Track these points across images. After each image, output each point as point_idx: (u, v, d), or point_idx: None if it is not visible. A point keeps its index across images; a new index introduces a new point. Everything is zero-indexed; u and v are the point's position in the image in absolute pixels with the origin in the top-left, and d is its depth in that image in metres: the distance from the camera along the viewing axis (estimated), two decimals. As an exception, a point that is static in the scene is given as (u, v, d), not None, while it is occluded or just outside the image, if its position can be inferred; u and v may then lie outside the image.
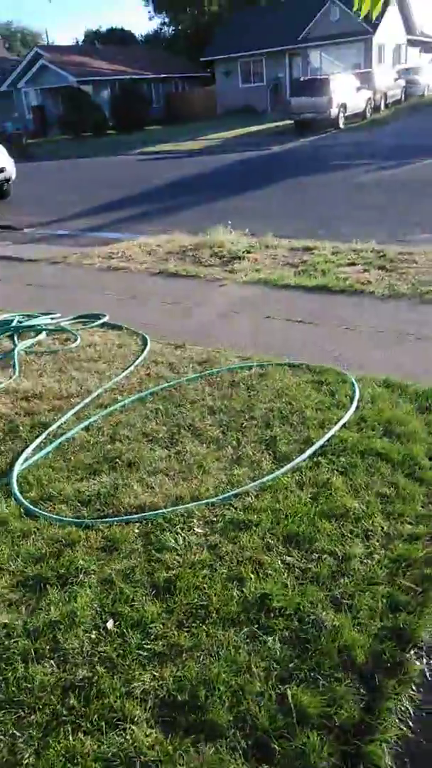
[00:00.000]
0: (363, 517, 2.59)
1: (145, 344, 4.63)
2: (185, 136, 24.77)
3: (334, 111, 21.93)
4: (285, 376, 3.88)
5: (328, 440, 3.11)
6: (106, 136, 29.86)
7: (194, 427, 3.39)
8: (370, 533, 2.52)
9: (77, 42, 52.17)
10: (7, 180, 13.33)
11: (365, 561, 2.38)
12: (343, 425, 3.24)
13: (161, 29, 48.49)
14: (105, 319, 5.27)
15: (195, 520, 2.66)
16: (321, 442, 3.09)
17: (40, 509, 2.82)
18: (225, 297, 5.73)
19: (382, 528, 2.54)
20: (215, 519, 2.66)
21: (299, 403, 3.51)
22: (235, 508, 2.71)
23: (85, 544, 2.57)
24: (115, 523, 2.68)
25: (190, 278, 6.40)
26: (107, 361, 4.42)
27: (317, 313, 5.05)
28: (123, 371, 4.19)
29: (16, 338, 4.95)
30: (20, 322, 5.25)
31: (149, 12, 47.13)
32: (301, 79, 25.37)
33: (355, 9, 2.42)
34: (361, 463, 2.92)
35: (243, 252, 6.95)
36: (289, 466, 2.94)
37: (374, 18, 2.44)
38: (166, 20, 47.27)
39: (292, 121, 23.09)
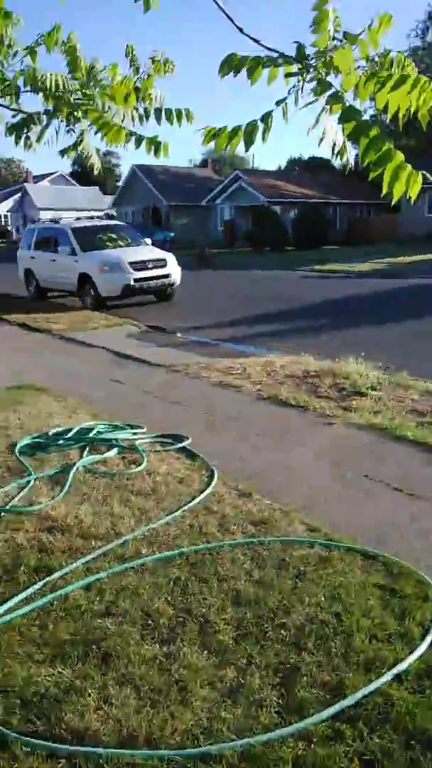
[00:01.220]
0: None
1: (209, 484, 4.01)
2: (359, 257, 24.77)
3: None
4: (350, 569, 2.97)
5: (366, 696, 2.17)
6: (284, 252, 31.06)
7: (206, 620, 2.62)
8: None
9: (279, 167, 56.99)
10: (171, 284, 14.06)
11: None
12: (398, 674, 2.27)
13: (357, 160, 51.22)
14: (186, 443, 4.78)
15: (133, 784, 1.87)
16: (355, 698, 2.15)
17: (-28, 695, 2.24)
18: (327, 440, 4.95)
19: None
20: (160, 791, 1.86)
21: (351, 619, 2.59)
22: (195, 780, 1.88)
23: (-15, 777, 1.91)
24: (38, 750, 2.00)
25: (300, 409, 5.73)
26: (159, 497, 3.85)
27: (428, 483, 4.07)
28: (167, 515, 3.58)
29: (86, 451, 4.62)
30: (99, 433, 4.94)
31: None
32: None
33: (383, 194, 2.04)
34: (401, 755, 1.93)
35: (367, 388, 6.15)
36: (293, 727, 2.04)
37: (413, 200, 2.14)
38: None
39: None
